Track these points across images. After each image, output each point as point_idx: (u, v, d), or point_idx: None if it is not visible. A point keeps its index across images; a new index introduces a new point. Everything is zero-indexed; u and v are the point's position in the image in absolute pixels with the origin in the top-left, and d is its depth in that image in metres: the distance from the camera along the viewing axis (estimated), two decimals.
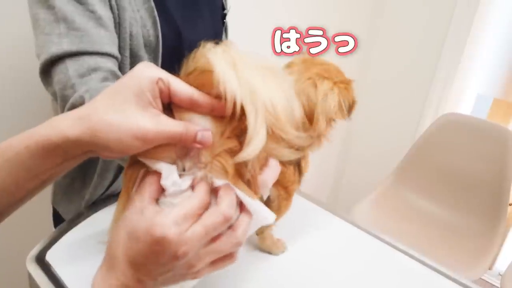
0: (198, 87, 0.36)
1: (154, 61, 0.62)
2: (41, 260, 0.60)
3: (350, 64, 2.15)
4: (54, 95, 0.53)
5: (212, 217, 0.33)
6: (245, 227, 0.36)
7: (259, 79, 0.38)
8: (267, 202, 0.57)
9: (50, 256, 0.61)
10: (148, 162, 0.35)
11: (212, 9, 0.71)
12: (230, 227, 0.35)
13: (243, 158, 0.35)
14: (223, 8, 0.75)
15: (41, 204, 0.84)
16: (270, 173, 0.46)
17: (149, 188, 0.35)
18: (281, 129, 0.40)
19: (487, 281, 1.97)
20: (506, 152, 1.41)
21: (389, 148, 1.95)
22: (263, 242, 0.63)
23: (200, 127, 0.35)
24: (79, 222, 0.68)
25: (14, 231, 0.96)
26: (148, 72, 0.35)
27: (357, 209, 1.49)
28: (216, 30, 0.73)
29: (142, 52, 0.60)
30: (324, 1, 1.60)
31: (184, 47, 0.64)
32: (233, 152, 0.36)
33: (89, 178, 0.70)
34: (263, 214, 0.38)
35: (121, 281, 0.33)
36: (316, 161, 2.29)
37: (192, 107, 0.36)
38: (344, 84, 0.57)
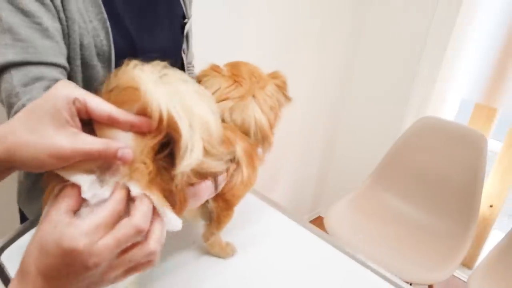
0: (119, 104, 0.37)
1: (108, 69, 0.63)
2: None
3: (333, 67, 2.17)
4: (2, 102, 0.55)
5: (124, 230, 0.34)
6: (158, 237, 0.36)
7: (190, 96, 0.40)
8: (208, 213, 0.60)
9: (5, 257, 0.63)
10: (66, 175, 0.36)
11: (170, 17, 0.73)
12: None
13: (182, 170, 0.37)
14: (184, 16, 0.76)
15: (9, 204, 0.86)
16: (204, 187, 0.48)
17: (68, 200, 0.35)
18: (212, 145, 0.42)
19: (465, 282, 2.00)
20: (479, 157, 1.43)
21: (372, 151, 1.97)
22: (212, 249, 0.65)
23: (122, 143, 0.36)
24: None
25: None
26: (65, 91, 0.35)
27: (333, 210, 1.51)
28: (174, 39, 0.74)
29: (95, 61, 0.62)
30: (305, 5, 1.59)
31: (139, 56, 0.65)
32: (155, 165, 0.38)
33: None
34: (170, 219, 0.38)
35: None
36: (300, 162, 2.29)
37: (112, 124, 0.36)
38: (276, 79, 0.65)
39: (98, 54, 0.61)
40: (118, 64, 0.64)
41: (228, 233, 0.68)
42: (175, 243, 0.68)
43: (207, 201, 0.57)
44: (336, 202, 1.55)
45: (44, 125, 0.34)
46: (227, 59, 0.68)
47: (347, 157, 2.18)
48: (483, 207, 1.86)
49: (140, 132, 0.37)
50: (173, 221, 0.38)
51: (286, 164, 2.00)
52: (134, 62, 0.39)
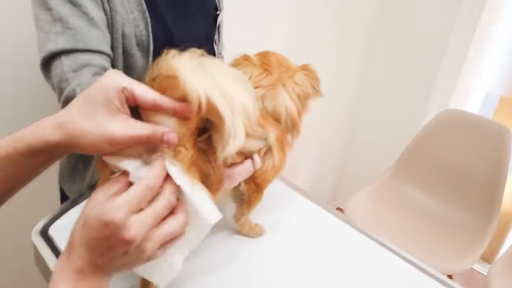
0: (162, 91, 0.40)
1: (146, 58, 0.67)
2: (44, 233, 0.67)
3: (354, 59, 2.17)
4: (53, 87, 0.60)
5: (157, 203, 0.37)
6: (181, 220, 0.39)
7: (228, 82, 0.43)
8: (239, 196, 0.64)
9: (52, 230, 0.69)
10: (114, 161, 0.39)
11: (203, 9, 0.76)
12: (173, 211, 0.39)
13: (225, 155, 0.39)
14: (217, 8, 0.80)
15: (50, 183, 0.93)
16: (239, 170, 0.52)
17: (116, 185, 0.38)
18: (252, 127, 0.45)
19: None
20: (503, 149, 1.42)
21: (393, 142, 1.97)
22: (242, 229, 0.69)
23: (167, 127, 0.39)
24: (81, 201, 0.76)
25: (25, 208, 1.05)
26: (114, 81, 0.38)
27: (353, 201, 1.53)
28: (207, 30, 0.78)
29: (135, 50, 0.66)
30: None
31: (175, 46, 0.69)
32: (195, 148, 0.41)
33: (89, 162, 0.77)
34: (198, 201, 0.40)
35: (78, 265, 0.37)
36: (319, 153, 2.31)
37: (156, 110, 0.39)
38: (305, 70, 0.67)
39: (137, 44, 0.66)
40: (156, 53, 0.68)
41: (256, 216, 0.72)
42: None
43: (239, 184, 0.61)
44: (356, 193, 1.57)
45: (99, 113, 0.38)
46: (248, 51, 0.70)
47: (367, 148, 2.18)
48: (506, 202, 1.83)
49: (182, 117, 0.40)
50: (202, 203, 0.40)
51: (306, 156, 2.02)
52: (173, 51, 0.41)
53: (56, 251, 0.65)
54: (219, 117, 0.39)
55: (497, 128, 1.45)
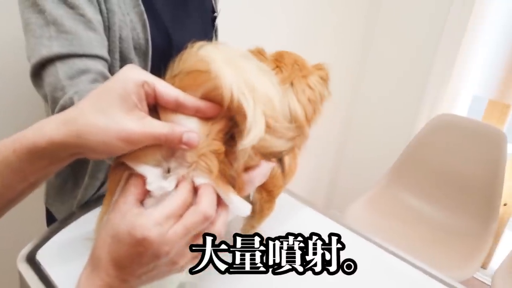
0: (184, 88, 0.37)
1: (144, 64, 0.63)
2: (31, 259, 0.61)
3: (346, 66, 2.15)
4: (45, 97, 0.54)
5: (192, 217, 0.34)
6: (223, 220, 0.37)
7: (253, 72, 0.39)
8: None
9: (40, 256, 0.62)
10: (132, 165, 0.36)
11: (201, 11, 0.72)
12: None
13: (245, 145, 0.36)
14: (213, 11, 0.76)
15: (34, 204, 0.85)
16: (259, 172, 0.47)
17: (134, 190, 0.35)
18: (276, 119, 0.41)
19: (482, 281, 1.98)
20: (499, 153, 1.42)
21: (385, 149, 1.96)
22: None
23: (186, 128, 0.36)
24: (71, 222, 0.69)
25: (7, 230, 0.97)
26: (134, 75, 0.35)
27: (351, 209, 1.50)
28: (206, 33, 0.74)
29: (132, 55, 0.61)
30: (320, 2, 1.60)
31: (173, 50, 0.65)
32: (218, 154, 0.37)
33: (80, 178, 0.70)
34: (238, 206, 0.38)
35: (106, 281, 0.34)
36: (312, 162, 2.27)
37: (177, 109, 0.36)
38: (320, 70, 0.64)
39: (135, 48, 0.61)
40: (154, 57, 0.64)
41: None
42: None
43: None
44: (354, 201, 1.54)
45: (114, 108, 0.34)
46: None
47: (360, 157, 2.17)
48: None
49: (204, 117, 0.37)
50: (241, 206, 0.38)
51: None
52: (199, 43, 0.38)
53: (44, 279, 0.58)
54: (243, 112, 0.35)
55: (492, 131, 1.46)
